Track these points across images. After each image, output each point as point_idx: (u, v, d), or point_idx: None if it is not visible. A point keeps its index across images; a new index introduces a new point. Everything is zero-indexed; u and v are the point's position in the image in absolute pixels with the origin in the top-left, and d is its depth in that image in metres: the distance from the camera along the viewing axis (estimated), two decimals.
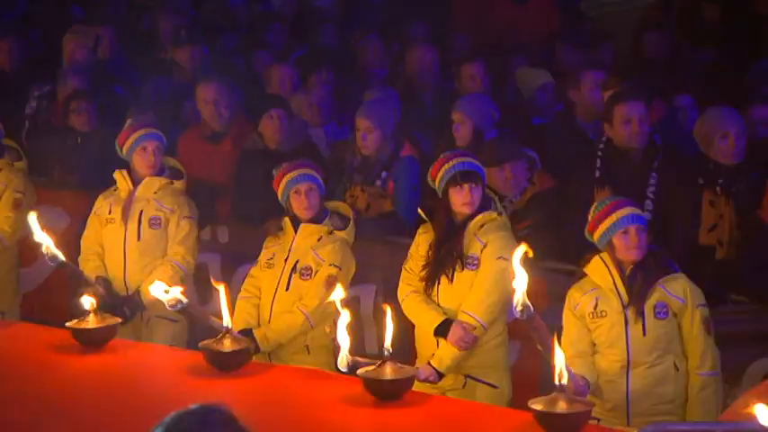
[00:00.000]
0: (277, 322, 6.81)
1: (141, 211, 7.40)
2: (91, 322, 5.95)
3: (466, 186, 6.57)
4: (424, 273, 6.73)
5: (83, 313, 5.98)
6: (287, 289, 6.83)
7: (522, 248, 5.11)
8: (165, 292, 5.90)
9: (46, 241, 6.29)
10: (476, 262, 6.59)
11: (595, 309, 6.11)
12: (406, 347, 6.43)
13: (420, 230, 6.85)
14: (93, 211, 7.53)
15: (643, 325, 6.06)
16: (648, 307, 6.05)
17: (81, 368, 5.77)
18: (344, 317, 5.48)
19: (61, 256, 6.40)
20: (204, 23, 11.28)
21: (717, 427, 5.47)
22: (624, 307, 6.07)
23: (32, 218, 6.39)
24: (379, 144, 7.87)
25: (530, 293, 5.07)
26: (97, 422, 5.10)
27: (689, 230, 7.03)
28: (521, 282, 5.02)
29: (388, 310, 5.50)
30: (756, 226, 6.85)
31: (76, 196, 7.90)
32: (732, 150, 7.01)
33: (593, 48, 9.99)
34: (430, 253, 6.73)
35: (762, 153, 7.22)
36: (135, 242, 7.39)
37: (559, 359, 5.12)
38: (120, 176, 7.41)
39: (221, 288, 5.74)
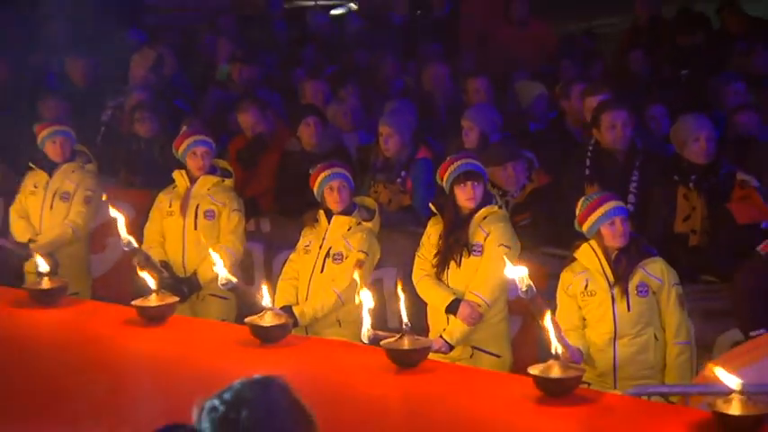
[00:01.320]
0: (313, 300, 6.79)
1: (197, 205, 7.40)
2: (153, 300, 5.96)
3: (469, 184, 6.58)
4: (435, 259, 6.74)
5: (146, 292, 5.99)
6: (321, 272, 6.83)
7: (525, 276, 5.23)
8: (220, 272, 5.96)
9: (123, 231, 6.34)
10: (480, 249, 6.59)
11: (585, 288, 6.11)
12: (421, 323, 6.38)
13: (431, 222, 6.85)
14: (154, 206, 7.55)
15: (627, 302, 6.05)
16: (631, 286, 6.05)
17: (144, 341, 5.77)
18: (366, 298, 5.52)
19: (135, 243, 6.47)
20: (250, 44, 11.25)
21: (690, 389, 5.49)
22: (610, 286, 6.07)
23: (115, 211, 6.44)
24: (399, 148, 7.84)
25: (531, 276, 5.16)
26: (161, 388, 5.11)
27: (666, 221, 6.99)
28: (522, 270, 5.16)
29: (399, 290, 5.53)
30: (724, 217, 6.81)
31: (140, 193, 7.92)
32: (703, 151, 6.96)
33: (586, 64, 9.99)
34: (440, 242, 6.73)
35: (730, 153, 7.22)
36: (192, 231, 7.39)
37: (556, 332, 5.15)
38: (179, 176, 7.43)
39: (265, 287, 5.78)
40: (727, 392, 4.56)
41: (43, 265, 6.37)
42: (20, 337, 5.97)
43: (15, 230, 7.92)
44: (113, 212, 6.47)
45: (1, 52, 10.54)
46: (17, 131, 8.85)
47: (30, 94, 9.59)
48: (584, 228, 6.12)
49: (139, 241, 6.81)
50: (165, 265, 7.15)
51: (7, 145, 8.64)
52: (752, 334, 6.00)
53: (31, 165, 8.02)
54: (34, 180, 7.98)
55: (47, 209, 7.91)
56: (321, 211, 6.92)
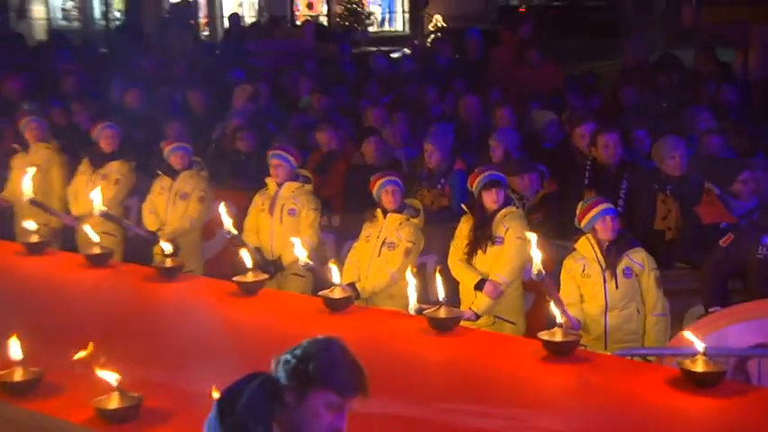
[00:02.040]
0: (371, 279, 6.79)
1: (283, 204, 7.42)
2: (248, 277, 5.98)
3: (493, 190, 6.59)
4: (466, 248, 6.75)
5: (243, 270, 6.01)
6: (378, 256, 6.83)
7: (534, 236, 5.26)
8: (300, 257, 6.02)
9: (228, 222, 6.41)
10: (501, 240, 6.60)
11: (583, 272, 6.12)
12: (454, 298, 6.37)
13: (463, 219, 6.85)
14: (251, 205, 7.59)
15: (615, 282, 6.05)
16: (619, 270, 6.05)
17: (241, 309, 5.79)
18: (412, 278, 5.53)
19: (235, 232, 6.52)
20: (326, 81, 11.29)
21: (664, 351, 5.48)
22: (603, 270, 6.07)
23: (222, 208, 6.48)
24: (439, 161, 7.78)
25: (542, 262, 5.21)
26: (252, 346, 5.09)
27: (647, 219, 6.95)
28: (537, 256, 5.17)
29: (438, 273, 5.53)
30: (694, 217, 6.80)
31: (240, 195, 7.93)
32: (678, 166, 6.95)
33: (587, 97, 9.97)
34: (470, 234, 6.75)
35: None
36: (279, 225, 7.42)
37: (560, 305, 5.15)
38: (270, 181, 7.47)
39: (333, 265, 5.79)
40: (693, 354, 4.57)
41: (167, 249, 6.45)
42: (149, 303, 6.05)
43: (147, 222, 7.99)
44: (221, 209, 6.53)
45: (137, 85, 10.65)
46: (149, 146, 8.93)
47: (159, 117, 9.66)
48: (583, 224, 6.13)
49: (239, 231, 6.89)
50: (258, 250, 7.16)
51: (141, 157, 8.70)
52: (710, 309, 5.99)
53: (158, 172, 8.08)
54: (161, 184, 8.04)
55: (170, 206, 7.97)
56: (378, 210, 6.93)
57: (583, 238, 6.16)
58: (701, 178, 6.97)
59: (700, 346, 4.56)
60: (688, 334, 4.80)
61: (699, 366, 4.51)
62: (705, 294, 6.23)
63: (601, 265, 6.08)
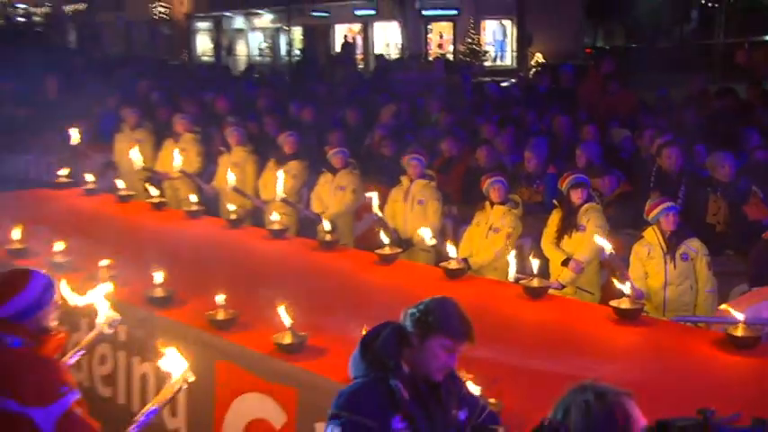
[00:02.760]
0: (480, 255, 6.73)
1: (414, 196, 7.42)
2: (386, 250, 5.98)
3: (578, 189, 6.47)
4: (555, 233, 6.63)
5: (382, 245, 6.02)
6: (486, 238, 6.77)
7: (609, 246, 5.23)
8: (426, 237, 6.00)
9: (376, 208, 6.45)
10: (584, 228, 6.44)
11: (648, 255, 5.93)
12: (545, 272, 6.27)
13: (554, 211, 6.74)
14: (391, 196, 7.58)
15: (674, 263, 5.84)
16: (678, 254, 5.84)
17: (381, 274, 5.78)
18: (511, 256, 5.47)
19: (380, 215, 6.55)
20: (451, 102, 11.18)
21: (712, 320, 5.28)
22: (664, 254, 5.86)
23: (374, 198, 6.52)
24: (536, 166, 7.67)
25: (615, 247, 5.20)
26: (389, 304, 5.02)
27: (701, 215, 6.72)
28: (608, 245, 5.16)
29: (531, 255, 5.47)
30: (740, 215, 6.57)
31: (383, 188, 7.91)
32: (727, 174, 6.73)
33: (656, 118, 9.67)
34: (559, 223, 6.62)
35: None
36: (410, 212, 7.42)
37: (628, 280, 5.03)
38: (405, 179, 7.50)
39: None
40: (735, 322, 4.41)
41: (328, 227, 6.52)
42: (313, 267, 6.01)
43: (314, 207, 8.07)
44: (373, 198, 6.57)
45: (310, 104, 10.72)
46: (317, 150, 8.99)
47: (325, 128, 9.76)
48: (650, 217, 5.95)
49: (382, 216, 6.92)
50: (395, 230, 7.15)
51: (312, 157, 8.78)
52: (753, 289, 5.74)
53: (323, 169, 8.18)
54: (325, 178, 8.13)
55: (332, 195, 8.04)
56: (487, 202, 6.86)
57: (649, 229, 5.97)
58: (750, 184, 6.71)
59: (740, 316, 4.40)
60: (731, 307, 4.66)
61: (739, 332, 4.36)
62: (750, 277, 5.96)
63: (663, 250, 5.88)
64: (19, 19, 35.09)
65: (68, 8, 37.15)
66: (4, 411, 3.18)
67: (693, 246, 5.88)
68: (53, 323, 3.44)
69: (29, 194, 8.27)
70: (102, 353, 5.19)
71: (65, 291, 3.78)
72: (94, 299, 3.82)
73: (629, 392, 2.32)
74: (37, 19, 36.63)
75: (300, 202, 8.44)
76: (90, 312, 3.86)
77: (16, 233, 6.17)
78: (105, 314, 3.81)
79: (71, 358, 3.80)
